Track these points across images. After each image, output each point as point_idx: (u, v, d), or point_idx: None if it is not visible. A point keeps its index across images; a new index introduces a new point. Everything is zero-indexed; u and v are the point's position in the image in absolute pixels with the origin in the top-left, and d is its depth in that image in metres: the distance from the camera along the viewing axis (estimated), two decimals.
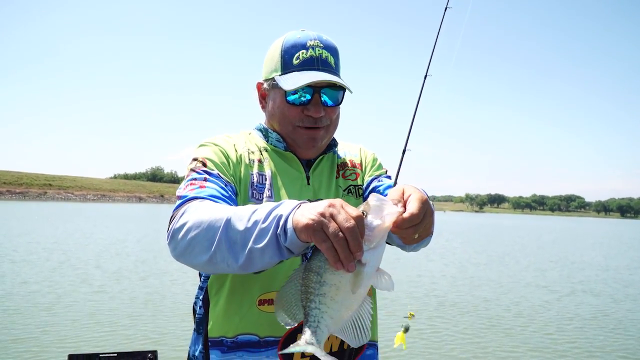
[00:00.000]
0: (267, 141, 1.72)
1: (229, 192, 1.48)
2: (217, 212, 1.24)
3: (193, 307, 1.64)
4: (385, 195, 1.21)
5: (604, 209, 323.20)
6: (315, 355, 1.12)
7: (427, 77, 1.93)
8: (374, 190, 1.71)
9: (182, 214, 1.32)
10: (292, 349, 1.13)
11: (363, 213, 1.08)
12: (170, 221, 1.35)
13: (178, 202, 1.41)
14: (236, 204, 1.48)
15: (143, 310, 8.79)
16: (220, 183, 1.48)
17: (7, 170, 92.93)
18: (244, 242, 1.18)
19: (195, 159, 1.56)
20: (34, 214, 38.62)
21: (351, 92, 1.65)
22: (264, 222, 1.16)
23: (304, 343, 1.11)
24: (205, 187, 1.43)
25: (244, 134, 1.75)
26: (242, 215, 1.19)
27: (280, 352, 1.21)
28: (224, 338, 1.50)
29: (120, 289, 10.50)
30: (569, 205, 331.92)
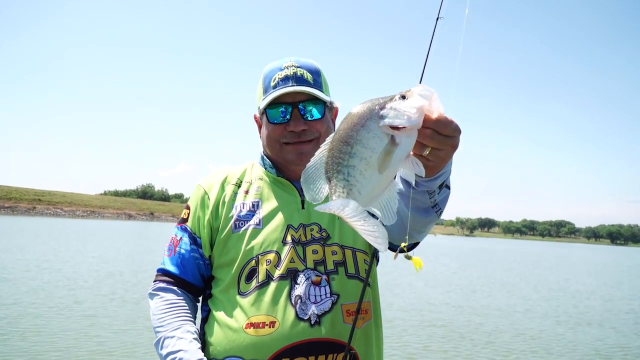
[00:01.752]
0: (265, 169, 1.82)
1: (192, 247, 1.75)
2: (161, 327, 1.64)
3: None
4: None
5: (594, 235, 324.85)
6: (346, 217, 1.04)
7: (439, 19, 1.83)
8: None
9: (149, 298, 1.75)
10: (324, 207, 1.06)
11: (403, 96, 1.04)
12: (154, 281, 1.77)
13: (160, 265, 1.79)
14: (200, 254, 1.75)
15: (138, 335, 8.29)
16: (188, 242, 1.75)
17: None
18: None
19: (187, 207, 1.82)
20: (22, 229, 37.81)
21: (326, 101, 1.72)
22: None
23: (338, 205, 1.04)
24: (176, 252, 1.75)
25: (245, 165, 1.89)
26: (166, 352, 1.58)
27: (315, 208, 1.13)
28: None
29: (115, 313, 9.99)
30: (559, 230, 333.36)
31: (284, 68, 1.72)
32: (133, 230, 50.62)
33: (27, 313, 9.46)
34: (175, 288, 1.73)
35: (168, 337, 1.60)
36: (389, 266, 24.92)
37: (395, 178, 1.10)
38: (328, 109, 1.76)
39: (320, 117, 1.71)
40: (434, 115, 1.05)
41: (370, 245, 1.69)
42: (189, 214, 1.80)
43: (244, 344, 1.55)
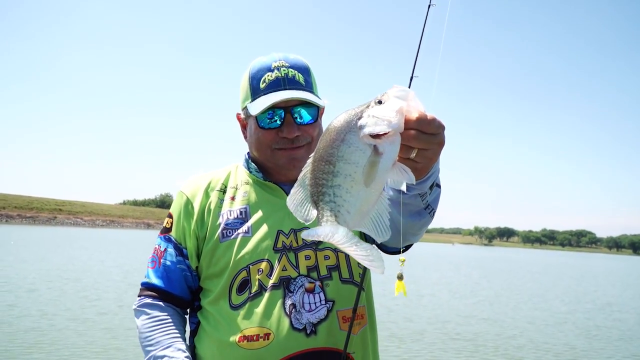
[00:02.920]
0: (250, 172, 1.73)
1: (178, 259, 1.67)
2: (150, 346, 1.58)
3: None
4: None
5: (615, 245, 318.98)
6: (337, 244, 0.98)
7: (431, 7, 1.72)
8: None
9: (135, 314, 1.70)
10: (313, 234, 1.00)
11: (379, 101, 1.00)
12: (138, 296, 1.71)
13: (143, 279, 1.72)
14: (187, 265, 1.68)
15: None
16: (173, 253, 1.68)
17: (18, 195, 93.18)
18: None
19: (170, 215, 1.75)
20: (44, 239, 38.14)
21: (321, 106, 1.64)
22: None
23: (327, 232, 0.98)
24: (161, 264, 1.68)
25: (230, 168, 1.79)
26: None
27: (302, 236, 1.06)
28: None
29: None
30: (579, 240, 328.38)
31: (274, 69, 1.63)
32: (153, 240, 50.71)
33: (51, 325, 9.39)
34: (161, 303, 1.66)
35: (158, 357, 1.54)
36: (412, 276, 24.63)
37: (384, 189, 1.06)
38: (319, 111, 1.70)
39: (313, 121, 1.64)
40: (415, 115, 1.00)
41: None
42: (172, 223, 1.72)
43: (238, 358, 1.50)
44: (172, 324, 1.62)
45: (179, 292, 1.68)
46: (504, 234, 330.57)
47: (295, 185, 1.08)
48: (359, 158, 0.99)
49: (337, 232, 0.99)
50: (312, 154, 1.05)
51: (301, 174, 1.06)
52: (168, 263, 1.68)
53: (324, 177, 1.01)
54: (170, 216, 1.75)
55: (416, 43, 1.68)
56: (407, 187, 1.24)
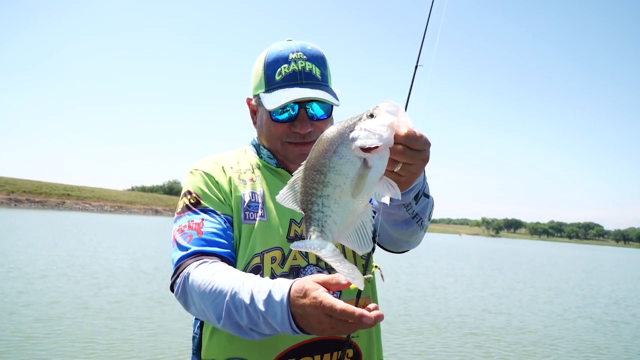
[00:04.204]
0: (260, 158, 1.70)
1: (227, 225, 1.52)
2: (218, 296, 1.29)
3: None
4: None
5: (623, 238, 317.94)
6: (324, 257, 1.04)
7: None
8: None
9: (185, 282, 1.39)
10: (302, 246, 1.05)
11: (371, 115, 1.03)
12: (175, 274, 1.43)
13: (181, 253, 1.45)
14: (232, 236, 1.53)
15: (177, 337, 7.94)
16: (215, 221, 1.51)
17: (27, 179, 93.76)
18: (247, 330, 1.28)
19: (189, 193, 1.58)
20: (53, 224, 38.22)
21: (337, 105, 1.61)
22: (264, 325, 1.22)
23: (316, 245, 1.03)
24: (202, 232, 1.47)
25: (238, 152, 1.74)
26: (239, 305, 1.25)
27: (291, 247, 1.09)
28: None
29: (152, 314, 9.67)
30: (587, 232, 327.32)
31: (291, 60, 1.59)
32: (162, 226, 50.83)
33: (62, 314, 9.22)
34: (212, 258, 1.45)
35: (233, 294, 1.28)
36: (423, 267, 24.43)
37: (370, 201, 1.08)
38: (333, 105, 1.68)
39: (326, 116, 1.63)
40: (403, 130, 1.03)
41: None
42: (198, 197, 1.56)
43: (247, 344, 1.47)
44: (232, 269, 1.39)
45: (230, 257, 1.49)
46: (511, 226, 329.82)
47: (286, 187, 1.08)
48: (349, 170, 1.02)
49: (324, 248, 1.03)
50: (304, 162, 1.07)
51: (292, 179, 1.07)
52: (213, 230, 1.49)
53: (314, 187, 1.03)
54: (189, 193, 1.58)
55: (422, 33, 1.72)
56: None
